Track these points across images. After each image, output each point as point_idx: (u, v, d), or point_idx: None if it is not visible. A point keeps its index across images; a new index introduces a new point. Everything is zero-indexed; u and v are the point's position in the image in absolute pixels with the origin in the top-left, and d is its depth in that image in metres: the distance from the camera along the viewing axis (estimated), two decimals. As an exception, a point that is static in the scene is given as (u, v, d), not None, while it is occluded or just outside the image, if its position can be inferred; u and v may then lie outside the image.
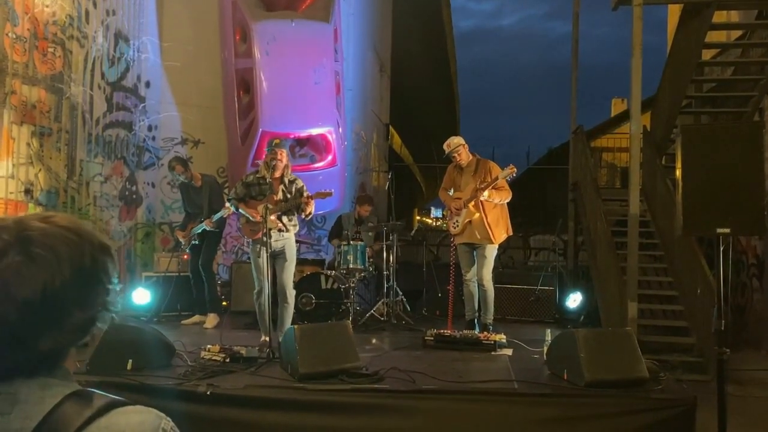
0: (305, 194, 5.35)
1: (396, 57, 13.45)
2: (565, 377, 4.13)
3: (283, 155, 5.40)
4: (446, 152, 6.10)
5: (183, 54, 8.64)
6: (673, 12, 11.45)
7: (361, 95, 10.24)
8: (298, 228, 5.59)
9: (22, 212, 6.38)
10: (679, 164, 3.84)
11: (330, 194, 5.53)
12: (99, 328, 1.00)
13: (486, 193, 5.83)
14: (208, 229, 6.54)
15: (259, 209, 5.24)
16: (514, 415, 3.75)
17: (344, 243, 6.79)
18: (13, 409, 0.91)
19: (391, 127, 13.86)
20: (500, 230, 5.99)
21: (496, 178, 5.85)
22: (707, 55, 8.67)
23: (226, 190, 7.92)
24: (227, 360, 4.47)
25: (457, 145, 6.05)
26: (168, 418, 0.97)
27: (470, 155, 6.13)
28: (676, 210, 3.95)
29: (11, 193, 6.18)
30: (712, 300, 5.17)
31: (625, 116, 14.86)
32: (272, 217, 5.21)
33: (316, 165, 8.61)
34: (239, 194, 5.47)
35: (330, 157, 8.67)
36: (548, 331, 5.01)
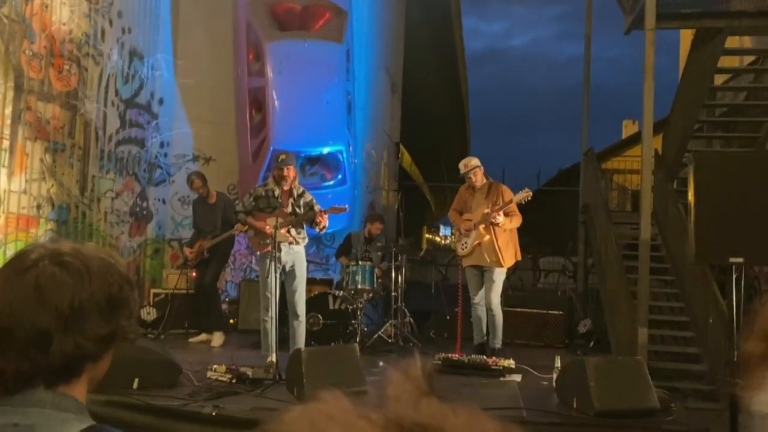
0: (317, 208, 5.35)
1: (408, 76, 13.51)
2: (575, 406, 4.08)
3: (290, 171, 5.41)
4: (462, 172, 6.10)
5: (197, 72, 8.71)
6: (686, 36, 11.46)
7: (372, 114, 10.27)
8: (307, 241, 5.57)
9: (33, 227, 6.42)
10: (691, 191, 3.82)
11: (344, 209, 5.54)
12: (116, 348, 1.04)
13: (501, 218, 5.79)
14: (235, 234, 6.55)
15: (269, 221, 5.23)
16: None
17: (353, 263, 6.77)
18: None
19: (401, 146, 13.89)
20: (509, 254, 5.96)
21: (510, 201, 5.84)
22: (720, 80, 8.65)
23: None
24: (233, 381, 4.46)
25: (474, 166, 6.05)
26: None
27: (484, 178, 6.13)
28: (688, 236, 3.92)
29: (23, 208, 6.22)
30: (723, 327, 5.10)
31: (636, 138, 14.82)
32: (282, 231, 5.21)
33: (327, 184, 8.62)
34: (248, 207, 5.47)
35: (340, 176, 8.68)
36: (557, 357, 4.96)
